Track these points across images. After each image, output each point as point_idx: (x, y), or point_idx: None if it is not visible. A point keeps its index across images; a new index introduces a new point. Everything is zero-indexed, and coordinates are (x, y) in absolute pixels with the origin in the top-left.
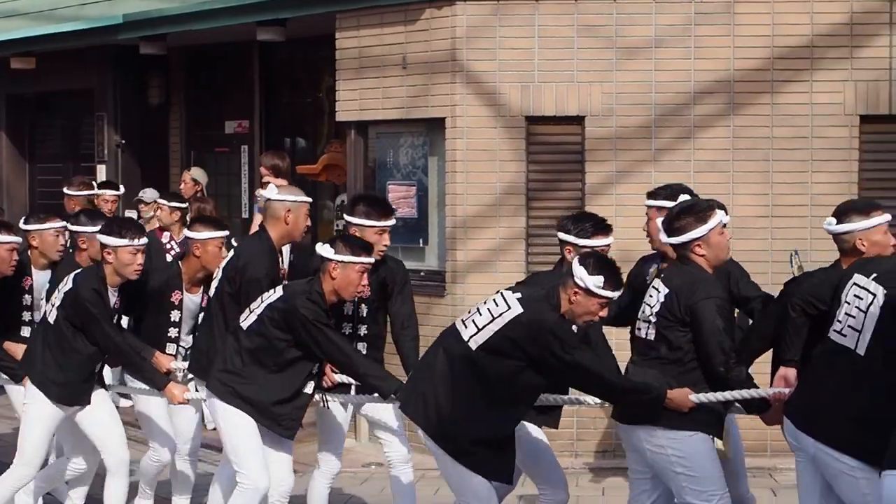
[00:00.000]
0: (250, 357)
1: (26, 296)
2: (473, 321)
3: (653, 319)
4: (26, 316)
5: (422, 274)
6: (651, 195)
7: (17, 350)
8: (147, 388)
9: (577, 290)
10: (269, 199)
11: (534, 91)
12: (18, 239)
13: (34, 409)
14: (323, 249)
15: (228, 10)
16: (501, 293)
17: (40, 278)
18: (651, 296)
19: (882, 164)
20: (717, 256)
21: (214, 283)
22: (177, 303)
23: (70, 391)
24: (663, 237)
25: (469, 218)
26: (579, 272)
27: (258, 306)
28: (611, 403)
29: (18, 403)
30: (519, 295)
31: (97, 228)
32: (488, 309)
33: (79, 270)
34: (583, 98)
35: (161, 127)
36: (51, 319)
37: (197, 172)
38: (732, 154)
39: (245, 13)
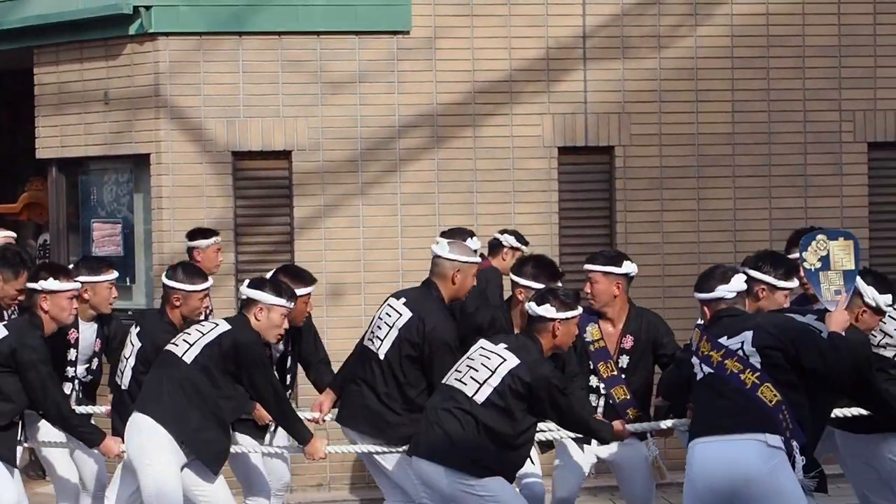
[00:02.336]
0: (489, 433)
1: (71, 350)
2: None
3: None
4: (69, 371)
5: (129, 313)
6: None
7: None
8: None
9: (866, 308)
10: (437, 256)
11: (240, 126)
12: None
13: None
14: (546, 311)
15: None
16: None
17: (87, 331)
18: None
19: (579, 193)
20: None
21: (387, 343)
22: (269, 358)
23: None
24: None
25: (176, 255)
26: (870, 292)
27: (489, 376)
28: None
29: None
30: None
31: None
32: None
33: (235, 322)
34: (289, 133)
35: None
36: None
37: None
38: (438, 186)
39: None
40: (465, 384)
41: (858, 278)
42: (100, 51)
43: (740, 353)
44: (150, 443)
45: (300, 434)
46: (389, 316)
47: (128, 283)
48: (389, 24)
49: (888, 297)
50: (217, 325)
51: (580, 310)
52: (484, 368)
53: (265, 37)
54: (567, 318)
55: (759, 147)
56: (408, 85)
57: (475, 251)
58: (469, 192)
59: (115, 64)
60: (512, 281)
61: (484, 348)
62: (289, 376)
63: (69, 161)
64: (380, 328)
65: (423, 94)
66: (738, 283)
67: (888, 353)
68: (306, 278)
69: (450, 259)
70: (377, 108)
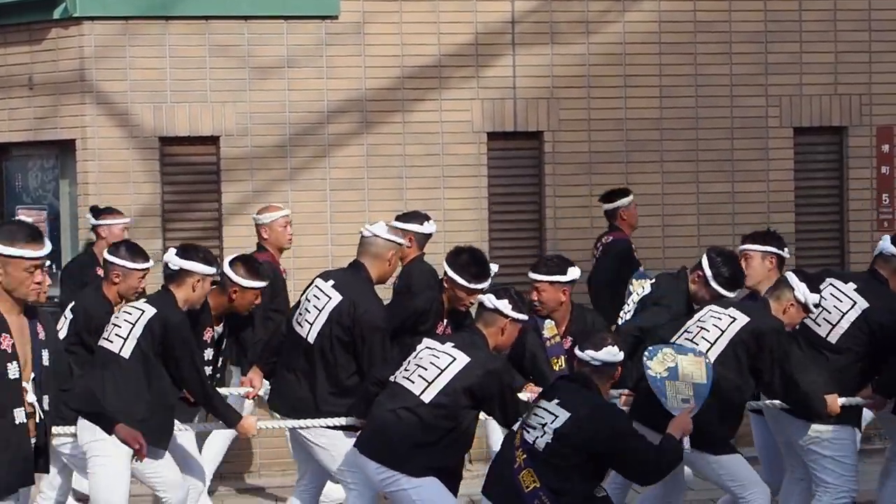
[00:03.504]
0: (431, 432)
1: None
2: (704, 337)
3: (844, 325)
4: None
5: (55, 300)
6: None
7: None
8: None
9: (795, 303)
10: (375, 236)
11: (167, 111)
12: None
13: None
14: (503, 306)
15: None
16: (714, 311)
17: None
18: (841, 300)
19: (509, 178)
20: None
21: (316, 327)
22: (209, 341)
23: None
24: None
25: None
26: (802, 289)
27: (438, 375)
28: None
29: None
30: (736, 309)
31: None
32: (714, 324)
33: (160, 302)
34: (217, 118)
35: None
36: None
37: None
38: (367, 172)
39: None
40: (413, 382)
41: (791, 274)
42: (24, 35)
43: (537, 432)
44: (101, 441)
45: (228, 417)
46: (318, 299)
47: (53, 270)
48: (317, 8)
49: (816, 297)
50: (143, 311)
51: (526, 318)
52: (433, 367)
53: (192, 21)
54: (517, 320)
55: (686, 132)
56: (336, 70)
57: (429, 235)
58: (398, 177)
59: (40, 48)
60: (444, 273)
61: (431, 348)
62: (221, 359)
63: None
64: (308, 311)
65: (351, 79)
66: (607, 354)
67: (822, 332)
68: (261, 274)
69: (387, 240)
70: (306, 93)
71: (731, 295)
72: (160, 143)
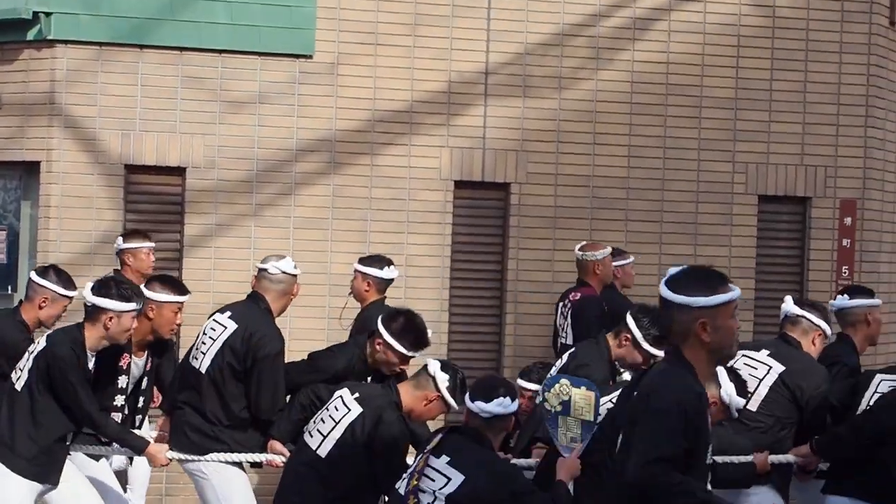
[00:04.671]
0: (332, 488)
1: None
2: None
3: (763, 391)
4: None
5: None
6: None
7: None
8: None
9: (717, 401)
10: (284, 272)
11: (134, 139)
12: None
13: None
14: (442, 382)
15: None
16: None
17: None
18: (756, 368)
19: (473, 227)
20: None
21: (209, 357)
22: (125, 367)
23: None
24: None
25: (62, 266)
26: (730, 389)
27: (332, 429)
28: None
29: None
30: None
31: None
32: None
33: (57, 336)
34: (184, 149)
35: None
36: (17, 387)
37: None
38: (332, 212)
39: None
40: (312, 436)
41: (723, 371)
42: None
43: (428, 497)
44: (3, 476)
45: (134, 444)
46: (214, 330)
47: (9, 292)
48: (292, 47)
49: (741, 403)
50: (38, 344)
51: (455, 408)
52: (330, 420)
53: (166, 51)
54: (447, 403)
55: (652, 192)
56: (308, 109)
57: (390, 280)
58: (363, 219)
59: (11, 69)
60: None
61: (341, 397)
62: (142, 399)
63: None
64: (203, 343)
65: (322, 118)
66: (498, 406)
67: (751, 406)
68: (179, 287)
69: (292, 275)
70: (275, 129)
71: (660, 353)
72: (126, 171)
